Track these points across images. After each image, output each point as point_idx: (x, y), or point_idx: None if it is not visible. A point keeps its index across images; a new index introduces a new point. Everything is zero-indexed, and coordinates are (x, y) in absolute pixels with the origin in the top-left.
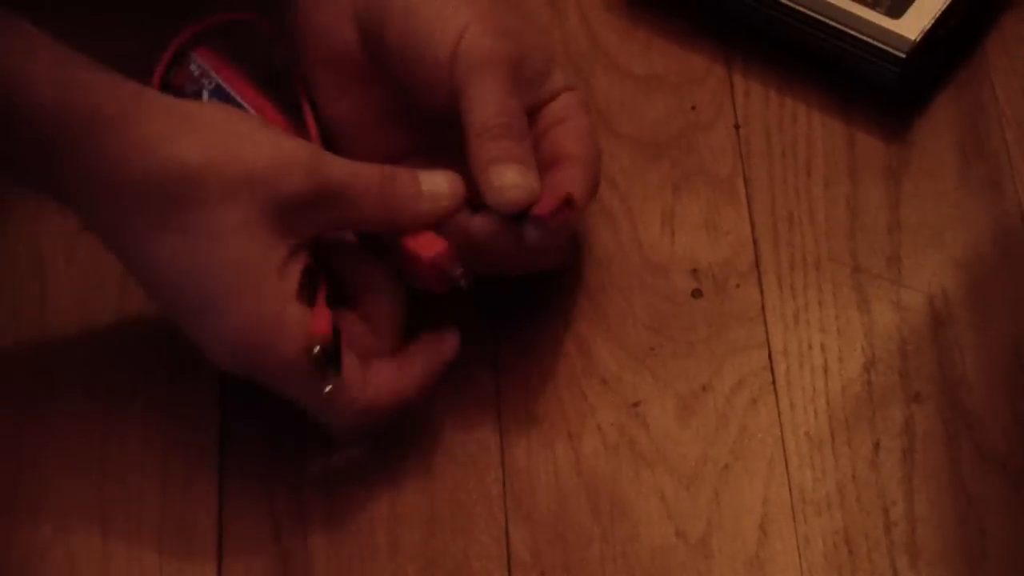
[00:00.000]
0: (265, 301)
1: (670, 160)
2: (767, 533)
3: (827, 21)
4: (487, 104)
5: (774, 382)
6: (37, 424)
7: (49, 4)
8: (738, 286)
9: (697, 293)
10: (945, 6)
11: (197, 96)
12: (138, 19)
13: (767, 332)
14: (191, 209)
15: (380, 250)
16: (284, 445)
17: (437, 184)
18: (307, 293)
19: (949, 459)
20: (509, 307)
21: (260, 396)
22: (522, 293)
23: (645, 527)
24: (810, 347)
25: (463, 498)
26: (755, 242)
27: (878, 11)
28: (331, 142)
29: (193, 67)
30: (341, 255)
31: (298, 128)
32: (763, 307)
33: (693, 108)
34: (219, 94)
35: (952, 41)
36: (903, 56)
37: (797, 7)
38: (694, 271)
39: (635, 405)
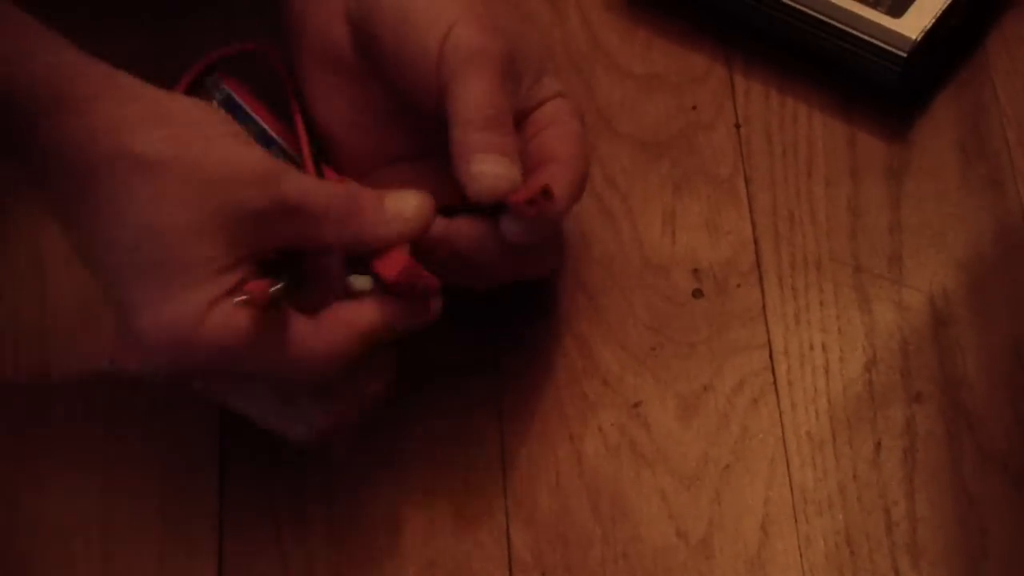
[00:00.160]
0: (189, 306)
1: (671, 160)
2: (768, 533)
3: (828, 20)
4: (473, 98)
5: (775, 382)
6: (37, 425)
7: (50, 4)
8: (739, 286)
9: (698, 293)
10: (946, 5)
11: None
12: (138, 20)
13: (768, 332)
14: (143, 202)
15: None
16: (285, 447)
17: (402, 207)
18: (246, 303)
19: (950, 459)
20: (510, 308)
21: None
22: (523, 294)
23: (646, 527)
24: (811, 347)
25: (464, 499)
26: (756, 242)
27: (879, 10)
28: (325, 152)
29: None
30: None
31: (295, 143)
32: (764, 307)
33: (694, 108)
34: (231, 105)
35: (953, 40)
36: (904, 55)
37: (798, 6)
38: (695, 271)
39: (636, 405)
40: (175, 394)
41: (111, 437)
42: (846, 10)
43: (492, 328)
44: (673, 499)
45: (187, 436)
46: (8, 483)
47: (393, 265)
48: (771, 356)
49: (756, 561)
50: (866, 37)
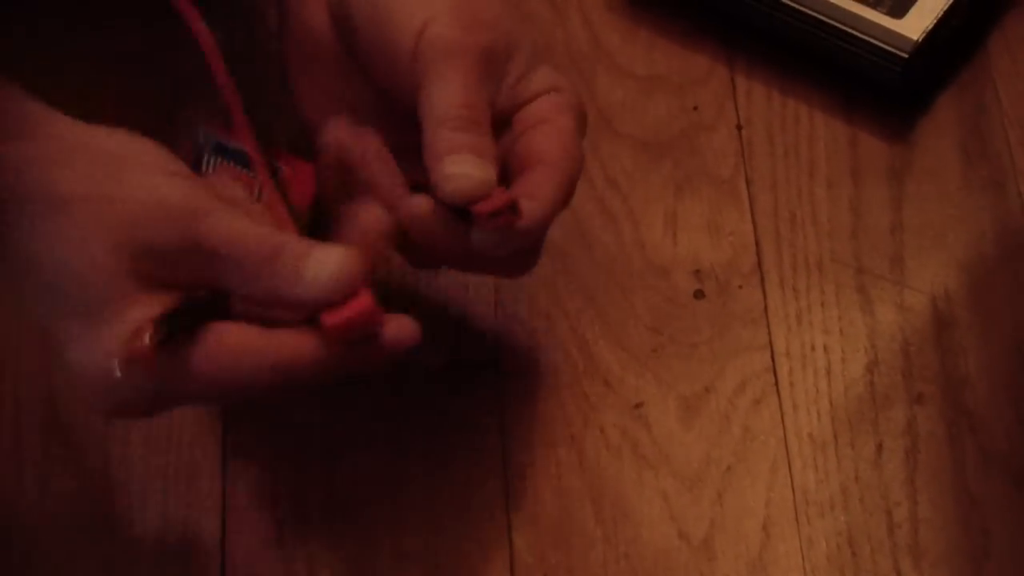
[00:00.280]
0: (112, 341)
1: (672, 161)
2: (770, 535)
3: (829, 21)
4: (447, 96)
5: (777, 383)
6: (37, 425)
7: (50, 4)
8: (740, 287)
9: (699, 294)
10: (947, 6)
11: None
12: (138, 19)
13: (770, 333)
14: (57, 240)
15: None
16: (286, 449)
17: (322, 270)
18: (150, 340)
19: (952, 460)
20: (511, 308)
21: (262, 399)
22: (523, 294)
23: (648, 529)
24: (813, 348)
25: (466, 501)
26: (757, 243)
27: (880, 11)
28: (284, 190)
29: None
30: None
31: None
32: (766, 308)
33: (695, 109)
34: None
35: (954, 41)
36: (905, 56)
37: (799, 7)
38: (696, 272)
39: (637, 407)
40: None
41: (112, 439)
42: (847, 11)
43: (493, 328)
44: (675, 500)
45: (189, 437)
46: (8, 482)
47: (334, 314)
48: (773, 357)
49: (758, 562)
50: (867, 38)
